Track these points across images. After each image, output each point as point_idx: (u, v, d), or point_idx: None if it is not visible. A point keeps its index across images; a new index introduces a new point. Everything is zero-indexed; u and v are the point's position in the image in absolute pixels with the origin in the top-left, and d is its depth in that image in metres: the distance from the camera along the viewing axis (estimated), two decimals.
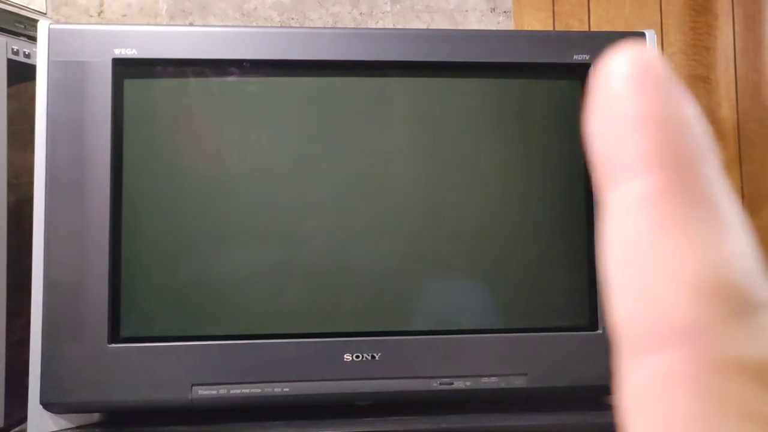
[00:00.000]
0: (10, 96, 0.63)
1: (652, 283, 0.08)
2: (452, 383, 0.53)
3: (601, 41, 0.57)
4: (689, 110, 0.08)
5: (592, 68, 0.56)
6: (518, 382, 0.53)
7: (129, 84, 0.53)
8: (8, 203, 0.63)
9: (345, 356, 0.53)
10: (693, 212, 0.08)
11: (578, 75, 0.57)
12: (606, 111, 0.08)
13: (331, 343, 0.53)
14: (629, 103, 0.08)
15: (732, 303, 0.07)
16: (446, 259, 0.57)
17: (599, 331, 0.54)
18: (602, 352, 0.54)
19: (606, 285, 0.08)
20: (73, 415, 0.53)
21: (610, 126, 0.08)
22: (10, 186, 0.65)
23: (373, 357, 0.53)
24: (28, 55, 0.62)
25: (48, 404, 0.51)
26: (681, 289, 0.07)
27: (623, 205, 0.08)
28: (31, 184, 0.79)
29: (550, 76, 0.58)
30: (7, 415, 0.60)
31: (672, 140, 0.08)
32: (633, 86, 0.08)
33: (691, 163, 0.08)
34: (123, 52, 0.52)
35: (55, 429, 0.52)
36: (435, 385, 0.53)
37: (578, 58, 0.56)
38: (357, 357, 0.53)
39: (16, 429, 0.53)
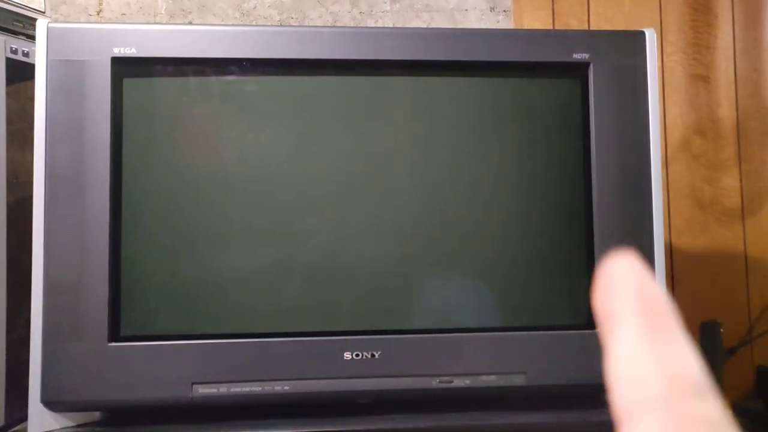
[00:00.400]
0: (8, 95, 0.63)
1: (641, 378, 0.13)
2: (452, 381, 0.53)
3: (600, 40, 0.57)
4: (657, 288, 0.15)
5: (591, 67, 0.56)
6: (517, 381, 0.53)
7: (128, 83, 0.53)
8: (7, 203, 0.63)
9: (345, 355, 0.53)
10: (662, 338, 0.14)
11: (578, 74, 0.57)
12: (611, 289, 0.15)
13: (331, 342, 0.53)
14: (625, 285, 0.15)
15: (689, 387, 0.13)
16: (446, 258, 0.57)
17: (597, 330, 0.54)
18: (600, 350, 0.54)
19: (610, 386, 0.14)
20: (74, 414, 0.53)
21: (613, 296, 0.15)
22: (9, 185, 0.65)
23: (372, 355, 0.53)
24: (26, 54, 0.62)
25: (48, 403, 0.52)
26: (659, 380, 0.13)
27: (620, 336, 0.14)
28: (29, 183, 0.79)
29: (550, 75, 0.58)
30: (7, 414, 0.60)
31: (648, 303, 0.14)
32: (627, 277, 0.15)
33: (660, 313, 0.14)
34: (122, 51, 0.52)
35: (56, 427, 0.52)
36: (434, 383, 0.53)
37: (577, 56, 0.56)
38: (357, 355, 0.53)
39: (17, 427, 0.53)
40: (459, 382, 0.53)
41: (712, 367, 0.50)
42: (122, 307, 0.53)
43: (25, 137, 0.79)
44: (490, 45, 0.56)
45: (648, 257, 0.55)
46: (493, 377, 0.53)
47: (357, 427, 0.51)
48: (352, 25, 0.91)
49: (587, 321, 0.55)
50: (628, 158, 0.56)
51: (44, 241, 0.52)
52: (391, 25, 0.92)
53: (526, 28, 0.90)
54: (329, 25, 0.91)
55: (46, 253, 0.52)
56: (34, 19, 0.60)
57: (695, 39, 0.92)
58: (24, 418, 0.54)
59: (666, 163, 0.91)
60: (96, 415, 0.55)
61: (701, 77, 0.92)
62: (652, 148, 0.57)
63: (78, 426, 0.53)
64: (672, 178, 0.91)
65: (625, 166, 0.56)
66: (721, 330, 0.49)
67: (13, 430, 0.53)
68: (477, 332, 0.54)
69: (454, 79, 0.57)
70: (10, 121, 0.64)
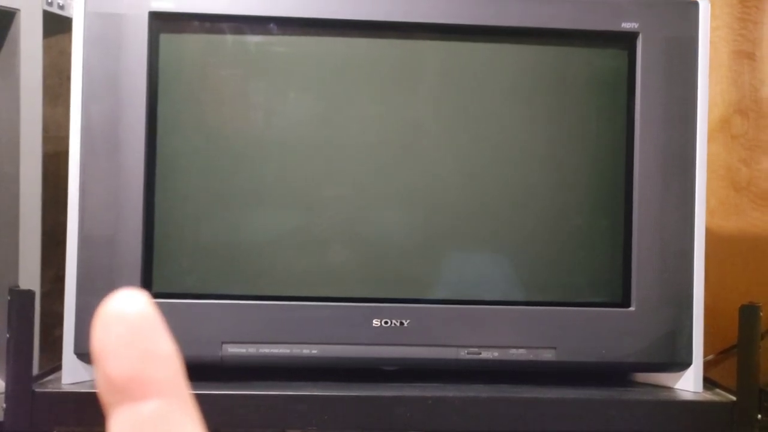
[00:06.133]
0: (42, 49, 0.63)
1: None
2: (480, 353, 0.53)
3: (651, 9, 0.54)
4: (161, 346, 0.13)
5: (640, 37, 0.54)
6: (547, 356, 0.53)
7: (165, 38, 0.53)
8: None
9: (374, 321, 0.53)
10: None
11: (626, 44, 0.55)
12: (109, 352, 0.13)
13: (360, 308, 0.53)
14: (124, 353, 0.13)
15: None
16: (478, 229, 0.56)
17: (632, 309, 0.54)
18: (633, 329, 0.53)
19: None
20: None
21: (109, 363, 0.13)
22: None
23: (401, 323, 0.53)
24: (62, 7, 0.61)
25: (81, 354, 0.52)
26: None
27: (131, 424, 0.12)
28: (59, 138, 0.79)
29: (595, 45, 0.56)
30: (39, 365, 0.62)
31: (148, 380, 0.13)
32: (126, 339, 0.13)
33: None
34: (160, 5, 0.51)
35: (88, 378, 0.54)
36: (462, 354, 0.53)
37: (626, 26, 0.54)
38: (385, 323, 0.53)
39: (50, 377, 0.55)
40: (487, 354, 0.53)
41: (752, 351, 0.49)
42: (154, 264, 0.53)
43: (56, 92, 0.79)
44: (533, 10, 0.54)
45: (688, 237, 0.54)
46: (522, 351, 0.53)
47: (382, 394, 0.51)
48: None
49: (620, 299, 0.54)
50: (672, 135, 0.55)
51: (79, 195, 0.52)
52: None
53: None
54: None
55: (81, 207, 0.52)
56: None
57: (743, 14, 0.88)
58: (55, 368, 0.55)
59: None
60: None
61: (746, 54, 0.88)
62: (698, 127, 0.55)
63: None
64: (708, 158, 0.88)
65: (669, 143, 0.55)
66: (761, 314, 0.48)
67: (46, 379, 0.54)
68: (507, 305, 0.54)
69: (491, 46, 0.56)
70: (42, 76, 0.64)
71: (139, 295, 0.13)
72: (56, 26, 0.62)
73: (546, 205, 0.56)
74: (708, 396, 0.53)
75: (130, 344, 0.13)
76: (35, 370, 0.57)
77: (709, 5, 0.55)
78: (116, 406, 0.12)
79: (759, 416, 0.50)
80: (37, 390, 0.50)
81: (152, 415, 0.12)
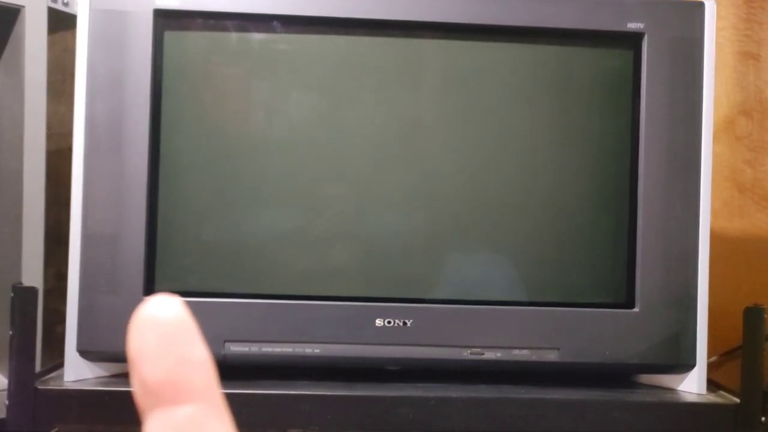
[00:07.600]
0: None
1: None
2: (483, 353, 0.53)
3: (657, 9, 0.54)
4: (194, 351, 0.13)
5: (645, 38, 0.54)
6: (550, 356, 0.52)
7: (169, 36, 0.53)
8: None
9: (377, 321, 0.53)
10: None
11: (631, 44, 0.55)
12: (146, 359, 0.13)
13: (363, 308, 0.53)
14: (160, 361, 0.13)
15: None
16: (483, 229, 0.56)
17: (635, 310, 0.53)
18: (637, 330, 0.53)
19: None
20: (108, 364, 0.54)
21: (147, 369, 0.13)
22: None
23: (404, 323, 0.53)
24: (66, 4, 0.61)
25: (83, 352, 0.52)
26: None
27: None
28: (62, 135, 0.78)
29: (601, 45, 0.55)
30: (41, 362, 0.61)
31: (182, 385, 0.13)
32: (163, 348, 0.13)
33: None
34: (164, 3, 0.51)
35: (90, 376, 0.54)
36: (465, 354, 0.52)
37: (632, 26, 0.54)
38: (388, 322, 0.53)
39: (52, 374, 0.55)
40: (490, 355, 0.52)
41: (756, 353, 0.49)
42: (157, 262, 0.53)
43: (59, 89, 0.79)
44: (538, 10, 0.54)
45: (692, 239, 0.54)
46: (525, 352, 0.52)
47: (385, 394, 0.51)
48: None
49: (624, 300, 0.54)
50: (677, 135, 0.54)
51: (83, 193, 0.52)
52: None
53: None
54: None
55: (84, 206, 0.52)
56: None
57: (749, 14, 0.88)
58: (57, 366, 0.55)
59: None
60: (128, 367, 0.56)
61: (751, 55, 0.88)
62: (704, 128, 0.55)
63: (111, 376, 0.54)
64: (712, 159, 0.88)
65: (674, 144, 0.54)
66: (766, 316, 0.48)
67: (48, 376, 0.54)
68: (510, 306, 0.54)
69: (497, 45, 0.55)
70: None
71: (174, 300, 0.13)
72: (60, 23, 0.62)
73: (550, 205, 0.56)
74: (711, 398, 0.53)
75: (166, 349, 0.13)
76: (37, 368, 0.57)
77: (715, 6, 0.55)
78: (151, 410, 0.13)
79: (763, 418, 0.50)
80: (39, 387, 0.50)
81: (186, 419, 0.12)
